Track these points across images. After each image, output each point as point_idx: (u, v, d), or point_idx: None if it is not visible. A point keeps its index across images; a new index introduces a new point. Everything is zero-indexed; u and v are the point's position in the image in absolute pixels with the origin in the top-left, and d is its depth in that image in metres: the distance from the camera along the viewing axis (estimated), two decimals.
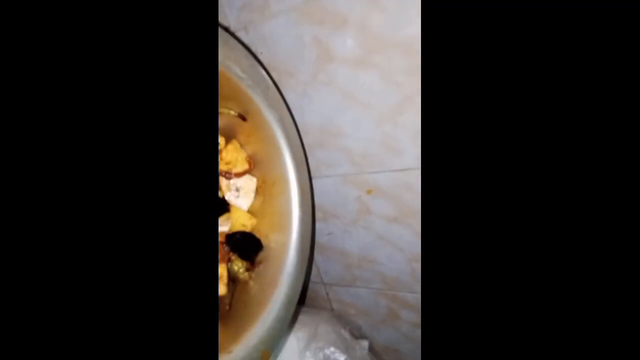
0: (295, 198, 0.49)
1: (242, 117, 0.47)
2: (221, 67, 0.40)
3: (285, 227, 0.49)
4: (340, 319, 0.65)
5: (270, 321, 0.41)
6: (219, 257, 0.44)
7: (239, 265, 0.45)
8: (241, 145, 0.50)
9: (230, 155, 0.48)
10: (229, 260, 0.44)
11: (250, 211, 0.51)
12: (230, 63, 0.41)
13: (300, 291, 0.47)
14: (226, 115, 0.47)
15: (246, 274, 0.46)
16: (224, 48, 0.40)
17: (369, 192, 0.54)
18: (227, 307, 0.42)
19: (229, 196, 0.50)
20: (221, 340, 0.38)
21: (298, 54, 0.56)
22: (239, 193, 0.51)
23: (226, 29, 0.52)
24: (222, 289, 0.42)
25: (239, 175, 0.50)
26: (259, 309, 0.42)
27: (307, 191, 0.51)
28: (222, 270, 0.42)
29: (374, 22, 0.44)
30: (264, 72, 0.45)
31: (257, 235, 0.49)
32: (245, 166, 0.49)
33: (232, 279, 0.44)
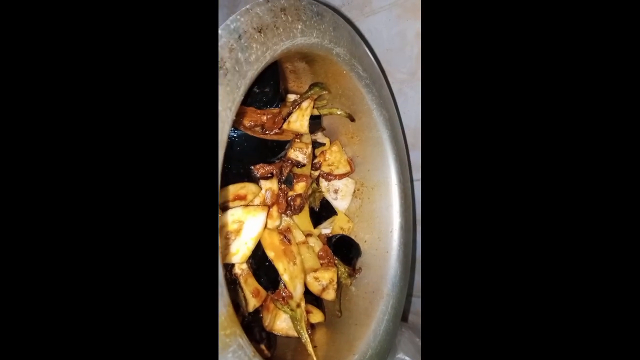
0: (396, 203, 0.47)
1: (351, 118, 0.45)
2: (346, 66, 0.39)
3: (386, 234, 0.47)
4: (417, 330, 0.63)
5: (381, 333, 0.40)
6: (327, 261, 0.42)
7: (341, 271, 0.44)
8: (342, 146, 0.49)
9: (334, 157, 0.47)
10: (334, 264, 0.43)
11: (346, 214, 0.49)
12: (355, 62, 0.39)
13: None
14: (333, 115, 0.46)
15: (348, 279, 0.44)
16: (351, 45, 0.39)
17: None
18: (339, 314, 0.41)
19: (328, 198, 0.49)
20: (337, 349, 0.37)
21: (398, 51, 0.54)
22: (337, 195, 0.49)
23: (351, 23, 0.51)
24: (331, 294, 0.41)
25: (339, 177, 0.48)
26: (368, 320, 0.40)
27: (409, 197, 0.49)
28: (332, 274, 0.41)
29: None
30: (380, 71, 0.44)
31: (355, 240, 0.48)
32: (347, 168, 0.48)
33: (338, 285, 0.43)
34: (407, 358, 0.53)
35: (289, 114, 0.39)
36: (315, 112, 0.44)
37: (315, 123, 0.45)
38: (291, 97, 0.41)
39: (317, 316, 0.40)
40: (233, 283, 0.34)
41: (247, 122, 0.33)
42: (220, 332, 0.22)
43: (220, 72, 0.24)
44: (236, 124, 0.33)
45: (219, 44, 0.24)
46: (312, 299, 0.41)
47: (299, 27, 0.31)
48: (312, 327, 0.39)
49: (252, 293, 0.35)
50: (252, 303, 0.35)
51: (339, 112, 0.46)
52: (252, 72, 0.26)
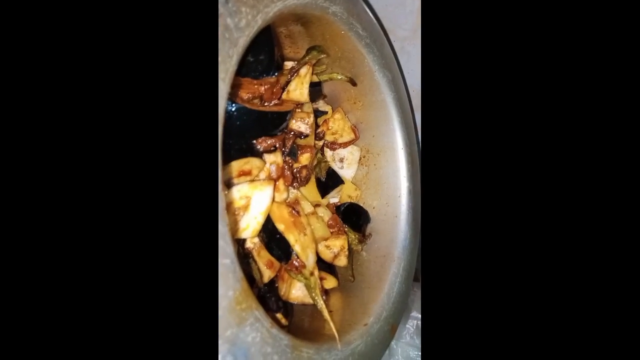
0: (403, 168, 0.46)
1: (353, 82, 0.43)
2: (344, 26, 0.37)
3: (394, 199, 0.46)
4: None
5: (394, 295, 0.40)
6: (337, 229, 0.42)
7: (352, 237, 0.44)
8: (345, 113, 0.47)
9: (337, 125, 0.46)
10: (344, 231, 0.43)
11: (353, 182, 0.48)
12: (353, 20, 0.37)
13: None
14: (333, 80, 0.44)
15: (359, 245, 0.44)
16: (348, 3, 0.36)
17: None
18: (352, 279, 0.41)
19: (334, 167, 0.48)
20: (353, 312, 0.38)
21: (398, 6, 0.51)
22: (343, 164, 0.49)
23: None
24: (343, 261, 0.41)
25: (344, 145, 0.47)
26: (381, 283, 0.41)
27: (416, 161, 0.48)
28: (343, 242, 0.41)
29: None
30: (380, 29, 0.41)
31: (364, 207, 0.47)
32: (351, 135, 0.47)
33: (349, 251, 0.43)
34: (420, 316, 0.55)
35: (287, 82, 0.37)
36: (315, 79, 0.42)
37: (316, 90, 0.43)
38: (288, 64, 0.39)
39: (330, 282, 0.41)
40: (246, 257, 0.35)
41: (244, 95, 0.32)
42: (236, 307, 0.22)
43: None
44: (233, 97, 0.32)
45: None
46: (324, 266, 0.42)
47: None
48: (326, 293, 0.40)
49: (266, 265, 0.36)
50: (267, 274, 0.36)
51: (339, 77, 0.44)
52: (243, 39, 0.25)
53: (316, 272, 0.35)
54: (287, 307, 0.36)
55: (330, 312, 0.38)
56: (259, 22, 0.26)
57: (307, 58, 0.38)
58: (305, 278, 0.34)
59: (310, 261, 0.35)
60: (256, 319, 0.23)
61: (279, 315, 0.34)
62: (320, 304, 0.34)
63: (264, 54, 0.31)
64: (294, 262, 0.34)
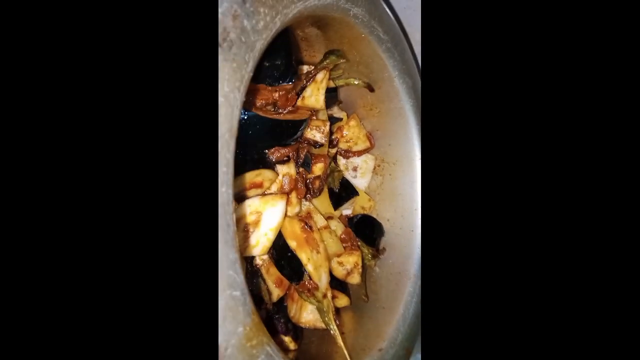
0: (420, 179, 0.44)
1: (370, 88, 0.41)
2: (365, 29, 0.34)
3: (410, 212, 0.44)
4: None
5: (410, 316, 0.38)
6: (350, 244, 0.40)
7: (365, 252, 0.42)
8: (360, 120, 0.45)
9: (352, 132, 0.43)
10: (358, 246, 0.41)
11: (367, 193, 0.46)
12: (374, 23, 0.34)
13: None
14: (349, 86, 0.42)
15: (372, 261, 0.42)
16: (370, 5, 0.34)
17: None
18: (366, 299, 0.39)
19: (347, 176, 0.45)
20: (367, 335, 0.35)
21: (417, 8, 0.48)
22: (357, 173, 0.46)
23: None
24: (356, 278, 0.39)
25: (358, 153, 0.45)
26: (396, 303, 0.39)
27: None
28: (357, 258, 0.39)
29: None
30: (401, 33, 0.39)
31: (377, 219, 0.45)
32: (366, 144, 0.44)
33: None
34: None
35: (303, 88, 0.35)
36: (331, 84, 0.40)
37: (331, 96, 0.41)
38: (304, 68, 0.37)
39: (342, 300, 0.39)
40: (255, 275, 0.33)
41: (258, 102, 0.30)
42: (247, 344, 0.20)
43: (224, 45, 0.20)
44: (246, 104, 0.29)
45: (220, 10, 0.20)
46: (336, 283, 0.40)
47: None
48: (338, 311, 0.38)
49: (275, 283, 0.33)
50: (276, 293, 0.33)
51: (356, 82, 0.41)
52: (261, 43, 0.22)
53: (329, 294, 0.32)
54: (297, 329, 0.33)
55: (342, 334, 0.35)
56: (277, 24, 0.23)
57: (325, 63, 0.35)
58: (318, 301, 0.32)
59: (323, 282, 0.32)
60: (268, 355, 0.21)
61: (287, 339, 0.32)
62: (334, 329, 0.31)
63: (281, 59, 0.29)
64: (306, 282, 0.32)
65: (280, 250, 0.32)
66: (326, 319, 0.32)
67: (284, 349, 0.30)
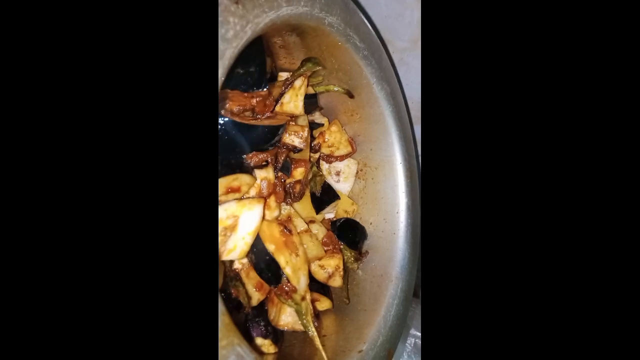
0: (402, 183, 0.45)
1: (350, 94, 0.42)
2: (341, 37, 0.35)
3: (392, 215, 0.45)
4: None
5: (391, 318, 0.38)
6: (332, 247, 0.40)
7: (347, 255, 0.42)
8: (342, 126, 0.46)
9: (334, 137, 0.44)
10: (340, 250, 0.41)
11: (350, 197, 0.47)
12: (350, 31, 0.35)
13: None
14: (330, 92, 0.43)
15: (355, 264, 0.42)
16: (345, 14, 0.35)
17: None
18: (347, 301, 0.39)
19: (330, 181, 0.46)
20: (347, 337, 0.36)
21: (397, 17, 0.49)
22: (339, 177, 0.47)
23: None
24: (338, 281, 0.39)
25: (340, 158, 0.46)
26: (377, 305, 0.39)
27: (415, 175, 0.46)
28: (338, 261, 0.39)
29: None
30: (379, 41, 0.40)
31: (360, 222, 0.45)
32: (348, 148, 0.45)
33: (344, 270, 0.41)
34: (419, 334, 0.53)
35: (282, 94, 0.35)
36: (311, 91, 0.41)
37: (311, 102, 0.42)
38: (283, 75, 0.38)
39: (324, 303, 0.39)
40: (234, 278, 0.33)
41: (234, 108, 0.30)
42: None
43: None
44: (221, 110, 0.30)
45: None
46: (318, 286, 0.40)
47: None
48: (319, 315, 0.38)
49: (255, 287, 0.34)
50: (256, 297, 0.34)
51: (336, 89, 0.42)
52: (230, 51, 0.23)
53: (308, 297, 0.33)
54: (277, 333, 0.34)
55: (323, 336, 0.35)
56: (248, 34, 0.24)
57: (302, 69, 0.36)
58: (296, 303, 0.32)
59: (301, 285, 0.33)
60: (239, 356, 0.21)
61: (267, 342, 0.32)
62: (312, 331, 0.32)
63: (255, 66, 0.30)
64: (284, 286, 0.32)
65: (258, 254, 0.32)
66: (304, 321, 0.32)
67: (261, 352, 0.30)
